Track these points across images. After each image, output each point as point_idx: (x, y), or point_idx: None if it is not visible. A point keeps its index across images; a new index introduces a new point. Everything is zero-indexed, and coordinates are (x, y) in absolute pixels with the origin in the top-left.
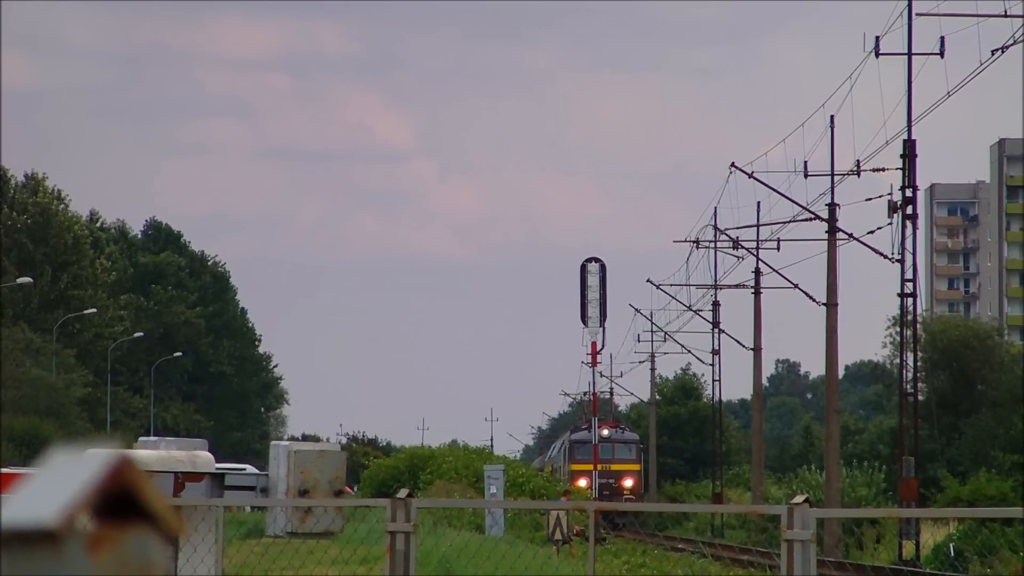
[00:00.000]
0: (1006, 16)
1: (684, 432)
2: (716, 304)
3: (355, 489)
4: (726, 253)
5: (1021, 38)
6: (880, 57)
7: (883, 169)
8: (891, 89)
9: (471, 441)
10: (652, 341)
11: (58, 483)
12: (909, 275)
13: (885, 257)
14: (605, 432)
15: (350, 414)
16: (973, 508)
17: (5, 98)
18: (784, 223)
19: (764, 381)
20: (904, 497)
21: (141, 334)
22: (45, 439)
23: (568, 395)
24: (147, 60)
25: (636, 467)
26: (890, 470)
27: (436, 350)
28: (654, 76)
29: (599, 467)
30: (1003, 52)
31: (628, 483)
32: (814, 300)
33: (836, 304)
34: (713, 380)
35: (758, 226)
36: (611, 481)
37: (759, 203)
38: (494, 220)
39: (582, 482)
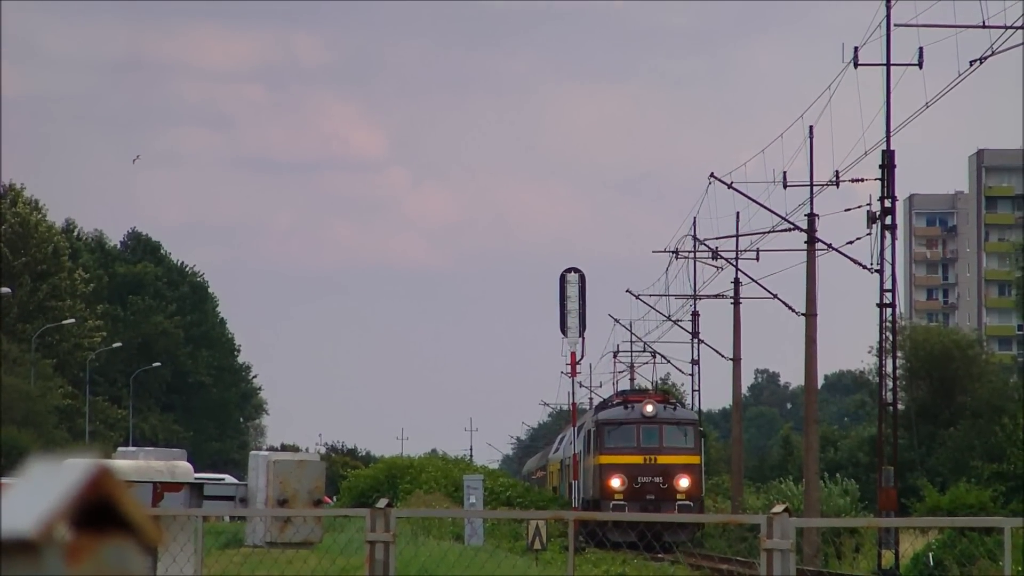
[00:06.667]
0: (984, 27)
1: None
2: (695, 314)
3: (334, 499)
4: (705, 263)
5: (1000, 48)
6: (859, 67)
7: (862, 180)
8: (870, 99)
9: (450, 451)
10: (631, 351)
11: (37, 493)
12: (888, 286)
13: (864, 267)
14: (650, 408)
15: (329, 424)
16: (953, 517)
17: None
18: (763, 233)
19: (744, 391)
20: (883, 506)
21: (119, 344)
22: (22, 449)
23: (547, 405)
24: (125, 70)
25: (695, 459)
26: (868, 480)
27: (414, 359)
28: (630, 84)
29: (642, 459)
30: (981, 63)
31: (684, 483)
32: (793, 310)
33: (815, 314)
34: (692, 390)
35: (737, 236)
36: (659, 480)
37: (738, 213)
38: (469, 227)
39: (616, 481)
